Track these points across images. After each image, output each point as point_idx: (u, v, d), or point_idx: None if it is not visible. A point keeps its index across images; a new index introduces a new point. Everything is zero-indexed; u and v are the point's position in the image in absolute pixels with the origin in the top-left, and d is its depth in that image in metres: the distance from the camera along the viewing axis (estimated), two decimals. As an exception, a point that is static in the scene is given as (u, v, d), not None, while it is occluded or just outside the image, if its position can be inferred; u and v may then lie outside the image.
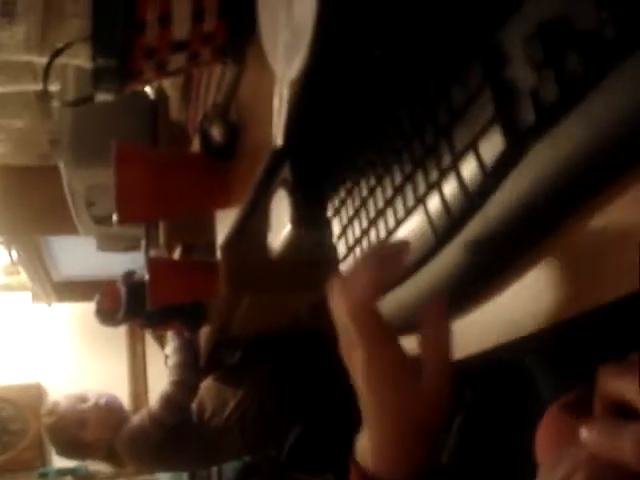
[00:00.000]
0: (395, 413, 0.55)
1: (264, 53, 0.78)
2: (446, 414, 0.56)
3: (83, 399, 2.18)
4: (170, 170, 0.97)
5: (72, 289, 2.75)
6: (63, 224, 2.01)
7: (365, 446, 0.59)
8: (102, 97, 0.77)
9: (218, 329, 1.90)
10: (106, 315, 1.93)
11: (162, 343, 2.51)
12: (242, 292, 1.57)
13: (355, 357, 0.56)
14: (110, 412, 2.19)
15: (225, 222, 1.08)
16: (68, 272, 2.69)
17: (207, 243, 1.65)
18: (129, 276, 1.88)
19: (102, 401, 2.19)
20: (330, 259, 1.22)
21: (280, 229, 1.08)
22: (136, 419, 2.12)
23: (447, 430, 0.83)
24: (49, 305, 3.02)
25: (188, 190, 0.98)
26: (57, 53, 1.08)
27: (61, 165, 1.63)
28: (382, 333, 0.55)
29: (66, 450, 2.19)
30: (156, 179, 0.95)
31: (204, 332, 2.07)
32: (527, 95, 0.43)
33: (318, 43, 0.50)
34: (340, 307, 0.56)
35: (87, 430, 2.11)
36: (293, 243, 1.07)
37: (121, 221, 0.96)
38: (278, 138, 0.57)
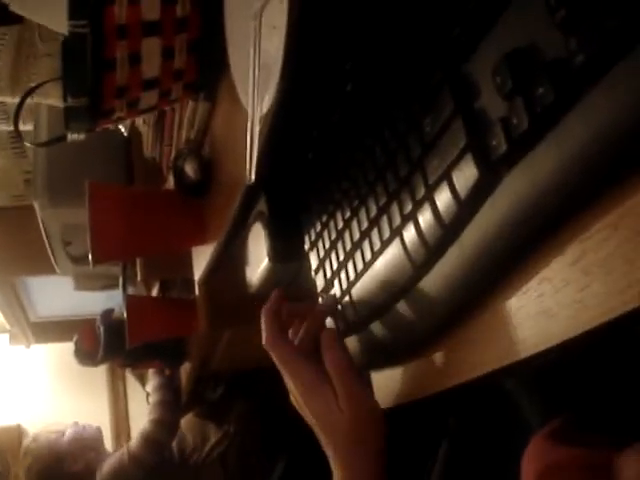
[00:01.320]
0: (335, 427, 0.67)
1: (235, 88, 0.78)
2: (379, 422, 0.67)
3: (59, 433, 2.15)
4: (145, 208, 0.97)
5: (50, 329, 2.72)
6: (40, 264, 2.00)
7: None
8: (74, 137, 0.76)
9: (199, 365, 1.89)
10: (85, 355, 1.91)
11: (143, 381, 2.48)
12: (221, 327, 1.55)
13: (289, 385, 0.71)
14: (86, 437, 2.16)
15: (202, 258, 1.07)
16: (46, 312, 2.66)
17: (185, 279, 1.64)
18: (107, 315, 1.86)
19: (77, 430, 2.17)
20: (308, 292, 1.22)
21: (257, 263, 1.07)
22: (116, 457, 2.09)
23: (432, 460, 0.83)
24: (27, 347, 2.99)
25: (163, 227, 0.97)
26: (28, 93, 1.08)
27: (36, 205, 1.62)
28: (296, 359, 0.69)
29: None
30: (131, 217, 0.95)
31: (185, 369, 2.05)
32: (498, 124, 0.43)
33: (287, 77, 0.50)
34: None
35: (66, 462, 2.08)
36: (270, 277, 1.06)
37: (96, 261, 0.95)
38: (251, 174, 0.57)
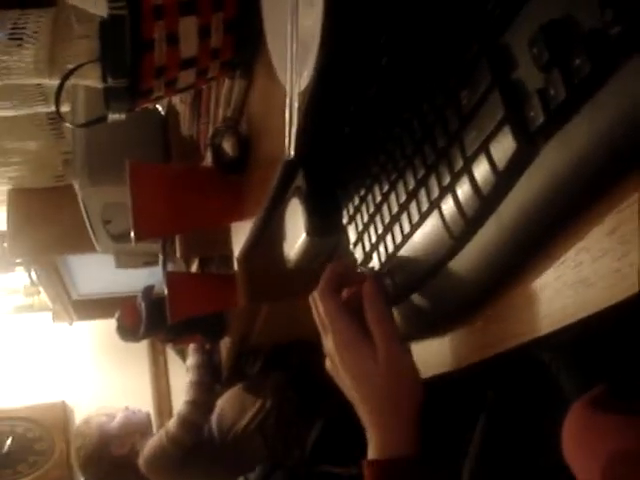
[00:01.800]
0: (370, 381, 0.67)
1: (272, 65, 0.78)
2: (415, 376, 0.68)
3: (110, 417, 2.20)
4: (184, 185, 0.98)
5: (92, 307, 2.77)
6: (81, 243, 2.03)
7: (371, 446, 0.69)
8: (114, 117, 0.78)
9: (238, 340, 1.91)
10: (127, 331, 1.94)
11: (184, 356, 2.52)
12: (260, 302, 1.57)
13: (327, 345, 0.71)
14: (136, 422, 2.21)
15: (240, 234, 1.08)
16: (87, 290, 2.71)
17: (223, 255, 1.66)
18: (148, 291, 1.89)
19: (127, 414, 2.22)
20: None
21: (295, 238, 1.08)
22: (155, 438, 2.13)
23: (470, 432, 0.84)
24: (70, 324, 3.04)
25: (203, 204, 0.98)
26: (67, 75, 1.09)
27: (76, 185, 1.64)
28: (341, 314, 0.69)
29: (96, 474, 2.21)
30: (171, 195, 0.96)
31: (225, 344, 2.08)
32: (535, 96, 0.43)
33: (325, 53, 0.50)
34: (316, 308, 0.72)
35: (113, 446, 2.13)
36: (308, 252, 1.08)
37: (139, 238, 0.97)
38: (290, 149, 0.58)
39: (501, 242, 0.52)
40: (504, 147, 0.47)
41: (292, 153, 0.58)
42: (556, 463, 0.62)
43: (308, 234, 1.03)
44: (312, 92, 0.53)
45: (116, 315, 1.96)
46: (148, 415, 2.33)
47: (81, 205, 1.71)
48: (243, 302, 1.52)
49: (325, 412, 2.08)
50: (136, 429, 2.20)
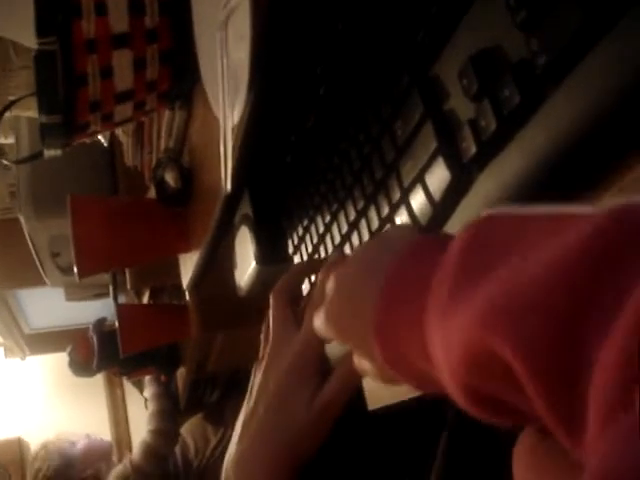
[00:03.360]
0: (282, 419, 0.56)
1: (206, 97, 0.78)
2: (320, 440, 0.57)
3: (71, 443, 2.16)
4: (127, 218, 0.96)
5: (45, 340, 2.71)
6: (30, 276, 1.99)
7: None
8: (50, 152, 0.76)
9: (194, 369, 1.89)
10: (80, 366, 1.91)
11: (141, 388, 2.48)
12: (214, 330, 1.55)
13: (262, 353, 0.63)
14: (98, 449, 2.17)
15: (188, 264, 1.07)
16: (39, 324, 2.65)
17: (175, 285, 1.64)
18: (100, 324, 1.86)
19: (89, 441, 2.19)
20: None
21: (245, 267, 1.07)
22: (119, 468, 2.09)
23: (432, 452, 0.83)
24: (23, 359, 2.98)
25: (147, 237, 0.97)
26: (6, 107, 1.07)
27: (22, 218, 1.61)
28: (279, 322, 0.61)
29: None
30: (114, 228, 0.94)
31: (181, 374, 2.05)
32: (466, 127, 0.43)
33: (256, 87, 0.49)
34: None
35: (75, 468, 2.09)
36: (259, 280, 1.06)
37: (82, 275, 0.95)
38: (227, 184, 0.57)
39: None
40: (439, 178, 0.47)
41: (229, 188, 0.57)
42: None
43: (257, 262, 1.02)
44: (245, 125, 0.53)
45: (68, 350, 1.92)
46: (110, 444, 2.28)
47: (28, 239, 1.68)
48: (196, 332, 1.50)
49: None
50: (99, 456, 2.16)
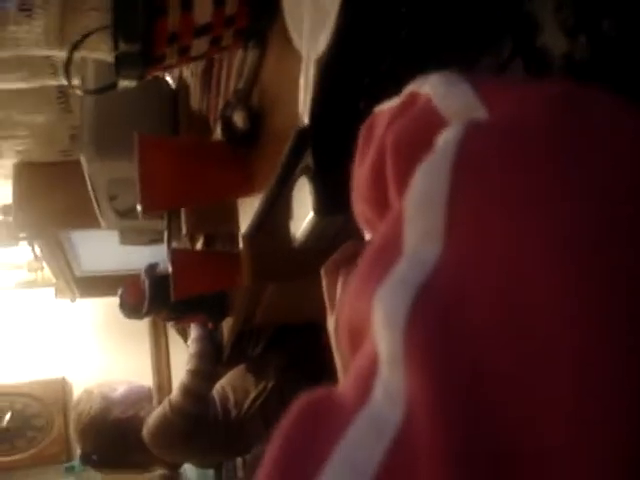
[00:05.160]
0: None
1: (286, 35, 0.77)
2: None
3: (112, 388, 2.21)
4: (193, 158, 0.97)
5: (95, 284, 2.76)
6: (86, 219, 2.02)
7: None
8: (125, 84, 0.77)
9: (241, 320, 1.90)
10: (130, 308, 1.94)
11: (185, 336, 2.52)
12: (265, 282, 1.56)
13: (329, 323, 0.66)
14: (138, 394, 2.22)
15: (248, 210, 1.07)
16: (90, 267, 2.70)
17: (229, 233, 1.65)
18: (152, 269, 1.88)
19: (129, 386, 2.24)
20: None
21: (302, 217, 1.07)
22: (159, 409, 2.13)
23: None
24: (73, 301, 3.04)
25: (212, 178, 0.97)
26: (76, 45, 1.08)
27: (82, 159, 1.63)
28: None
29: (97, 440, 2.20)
30: (179, 168, 0.95)
31: (227, 323, 2.08)
32: (560, 59, 0.42)
33: (343, 18, 0.49)
34: (326, 280, 0.68)
35: (115, 410, 2.14)
36: (315, 231, 1.06)
37: (145, 211, 0.96)
38: (304, 117, 0.57)
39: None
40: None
41: (306, 122, 0.57)
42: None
43: (315, 213, 1.02)
44: (329, 57, 0.52)
45: (119, 292, 1.95)
46: (150, 388, 2.33)
47: (87, 180, 1.70)
48: (248, 282, 1.52)
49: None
50: (139, 399, 2.20)
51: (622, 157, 0.25)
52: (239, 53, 0.89)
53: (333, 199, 1.02)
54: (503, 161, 0.26)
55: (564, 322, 0.21)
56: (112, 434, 2.15)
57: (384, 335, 0.24)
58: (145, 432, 2.10)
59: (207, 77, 1.07)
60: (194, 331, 2.14)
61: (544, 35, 0.44)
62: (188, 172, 0.95)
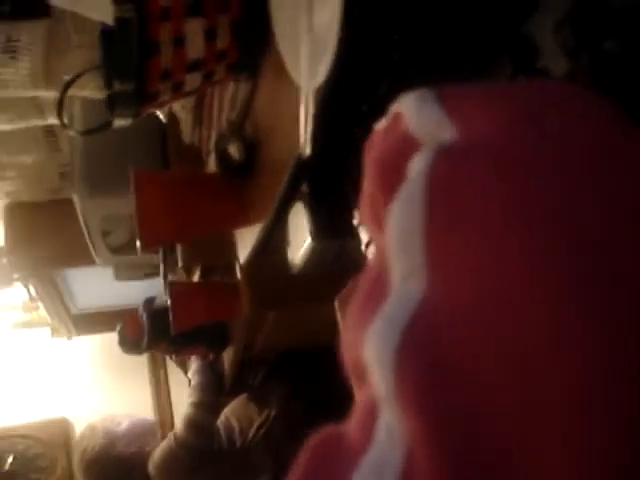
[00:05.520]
0: None
1: (279, 67, 0.78)
2: None
3: (115, 422, 2.19)
4: (189, 192, 0.97)
5: (91, 321, 2.75)
6: (79, 256, 2.01)
7: None
8: (120, 122, 0.77)
9: (242, 349, 1.90)
10: (130, 344, 1.93)
11: (185, 369, 2.51)
12: (265, 310, 1.56)
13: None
14: (142, 427, 2.21)
15: (246, 240, 1.07)
16: (86, 304, 2.69)
17: (226, 264, 1.65)
18: (149, 303, 1.88)
19: (133, 420, 2.22)
20: (354, 268, 1.21)
21: (299, 243, 1.07)
22: (164, 443, 2.12)
23: None
24: (69, 339, 3.02)
25: (209, 211, 0.97)
26: (68, 85, 1.08)
27: (75, 198, 1.63)
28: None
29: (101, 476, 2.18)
30: (176, 202, 0.95)
31: (227, 354, 2.07)
32: (563, 80, 0.42)
33: (344, 45, 0.49)
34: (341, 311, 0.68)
35: (119, 445, 2.12)
36: (313, 256, 1.07)
37: (145, 247, 0.96)
38: (306, 148, 0.57)
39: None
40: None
41: (307, 151, 0.57)
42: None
43: (312, 238, 1.02)
44: (329, 87, 0.52)
45: (118, 327, 1.95)
46: (154, 423, 2.32)
47: (80, 218, 1.70)
48: (248, 310, 1.51)
49: (332, 421, 2.08)
50: (143, 433, 2.19)
51: (603, 174, 0.25)
52: (231, 86, 0.89)
53: (329, 223, 1.02)
54: (474, 188, 0.25)
55: (557, 357, 0.21)
56: (117, 470, 2.14)
57: (377, 374, 0.24)
58: (151, 467, 2.08)
59: (198, 110, 1.07)
60: (194, 363, 2.13)
61: (544, 57, 0.44)
62: (185, 205, 0.96)
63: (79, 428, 3.02)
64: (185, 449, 2.05)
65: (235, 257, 1.47)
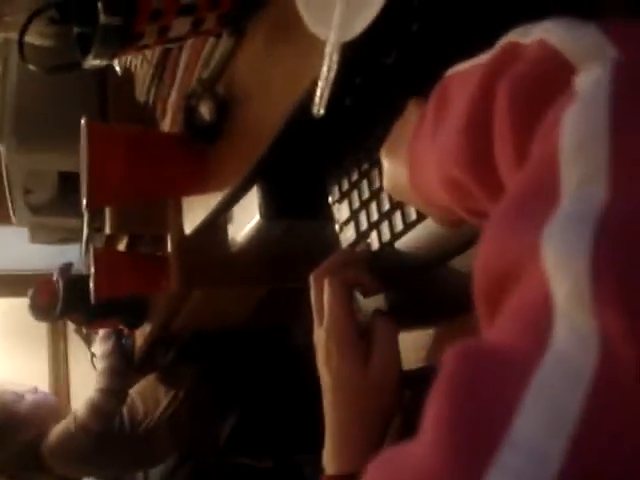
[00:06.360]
0: (350, 389, 0.62)
1: (273, 24, 0.73)
2: (394, 396, 0.64)
3: (19, 396, 2.06)
4: (148, 150, 0.91)
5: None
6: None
7: (327, 452, 0.64)
8: (93, 62, 0.70)
9: (160, 326, 1.83)
10: (42, 310, 1.83)
11: (89, 342, 2.41)
12: (194, 287, 1.50)
13: (318, 334, 0.65)
14: (47, 408, 2.09)
15: (198, 209, 1.01)
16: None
17: (155, 235, 1.58)
18: (66, 269, 1.78)
19: (38, 398, 2.09)
20: (297, 251, 1.17)
21: (245, 221, 1.02)
22: (62, 425, 2.02)
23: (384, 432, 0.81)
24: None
25: (167, 172, 0.91)
26: (25, 29, 1.00)
27: (2, 149, 1.53)
28: (343, 305, 0.63)
29: None
30: (132, 160, 0.89)
31: (141, 330, 1.99)
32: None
33: (389, 6, 0.45)
34: (316, 287, 0.65)
35: (20, 430, 1.99)
36: (258, 235, 1.02)
37: (91, 205, 0.89)
38: (320, 107, 0.52)
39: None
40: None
41: (321, 110, 0.52)
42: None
43: (261, 216, 0.98)
44: (362, 43, 0.48)
45: (30, 293, 1.84)
46: (58, 401, 2.20)
47: (4, 171, 1.59)
48: (175, 287, 1.45)
49: (240, 402, 2.03)
50: (47, 415, 2.07)
51: None
52: (210, 41, 0.84)
53: (280, 203, 0.98)
54: None
55: None
56: (11, 453, 2.02)
57: (561, 275, 0.23)
58: (46, 447, 1.99)
59: (160, 67, 1.01)
60: (102, 346, 2.04)
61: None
62: (142, 164, 0.89)
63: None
64: (84, 432, 1.97)
65: (167, 228, 1.40)
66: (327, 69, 0.49)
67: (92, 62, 0.70)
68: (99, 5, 0.63)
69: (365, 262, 0.67)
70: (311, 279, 0.66)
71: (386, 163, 0.53)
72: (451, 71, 0.42)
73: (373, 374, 0.62)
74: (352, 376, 0.63)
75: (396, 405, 0.64)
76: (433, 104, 0.42)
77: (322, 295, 0.65)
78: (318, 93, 0.51)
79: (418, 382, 0.82)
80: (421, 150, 0.44)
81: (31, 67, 0.85)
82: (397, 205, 0.64)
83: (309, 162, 0.90)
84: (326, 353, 0.64)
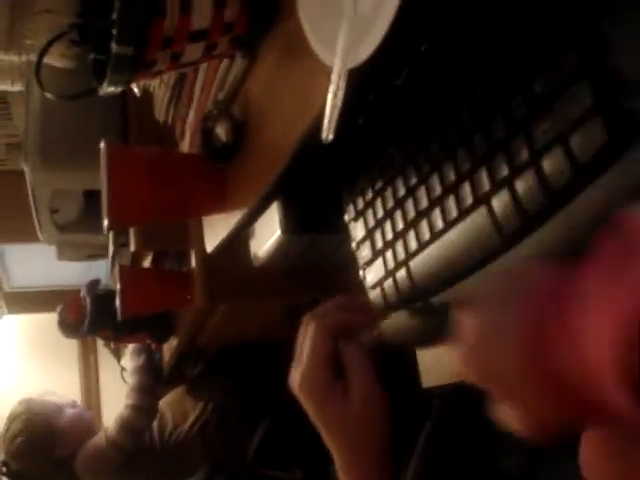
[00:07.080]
0: (337, 427, 0.64)
1: (284, 45, 0.73)
2: (385, 422, 0.65)
3: (58, 410, 2.07)
4: (168, 171, 0.92)
5: (24, 300, 2.64)
6: (19, 233, 1.93)
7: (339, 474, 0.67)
8: (110, 90, 0.71)
9: (186, 340, 1.84)
10: (70, 327, 1.85)
11: (119, 356, 2.43)
12: (219, 301, 1.51)
13: (293, 376, 0.68)
14: (85, 423, 2.10)
15: (218, 227, 1.02)
16: (20, 283, 2.58)
17: (180, 251, 1.60)
18: (93, 286, 1.80)
19: (77, 412, 2.11)
20: (319, 265, 1.17)
21: (267, 236, 1.03)
22: (94, 441, 2.04)
23: (414, 442, 0.81)
24: (0, 317, 2.91)
25: (187, 193, 0.92)
26: (44, 51, 1.02)
27: (26, 169, 1.55)
28: (317, 356, 0.65)
29: (27, 463, 2.06)
30: (152, 181, 0.90)
31: (168, 345, 2.01)
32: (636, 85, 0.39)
33: (394, 30, 0.45)
34: (302, 330, 0.68)
35: (58, 445, 2.01)
36: (279, 250, 1.02)
37: (112, 226, 0.90)
38: (330, 130, 0.53)
39: (562, 245, 0.48)
40: (589, 139, 0.43)
41: (330, 136, 0.53)
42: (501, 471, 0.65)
43: (282, 231, 0.98)
44: (368, 68, 0.49)
45: (58, 309, 1.86)
46: (93, 416, 2.22)
47: (29, 191, 1.62)
48: (200, 302, 1.46)
49: (269, 416, 2.04)
50: (85, 429, 2.09)
51: None
52: (224, 62, 0.85)
53: (301, 218, 0.98)
54: None
55: None
56: (44, 469, 2.04)
57: None
58: (78, 463, 2.01)
59: (178, 88, 1.02)
60: (132, 361, 2.05)
61: (618, 56, 0.41)
62: (162, 185, 0.90)
63: (2, 406, 2.91)
64: (116, 450, 1.99)
65: (191, 244, 1.42)
66: (334, 95, 0.50)
67: (107, 89, 0.71)
68: (112, 34, 0.63)
69: (361, 309, 0.69)
70: (307, 318, 0.68)
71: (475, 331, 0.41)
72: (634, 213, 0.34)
73: (355, 408, 0.64)
74: (336, 417, 0.65)
75: (389, 427, 0.66)
76: (612, 244, 0.32)
77: (305, 338, 0.67)
78: (326, 119, 0.51)
79: (445, 395, 0.82)
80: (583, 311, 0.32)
81: (48, 95, 0.87)
82: (410, 224, 0.64)
83: (327, 178, 0.90)
84: (305, 402, 0.67)
